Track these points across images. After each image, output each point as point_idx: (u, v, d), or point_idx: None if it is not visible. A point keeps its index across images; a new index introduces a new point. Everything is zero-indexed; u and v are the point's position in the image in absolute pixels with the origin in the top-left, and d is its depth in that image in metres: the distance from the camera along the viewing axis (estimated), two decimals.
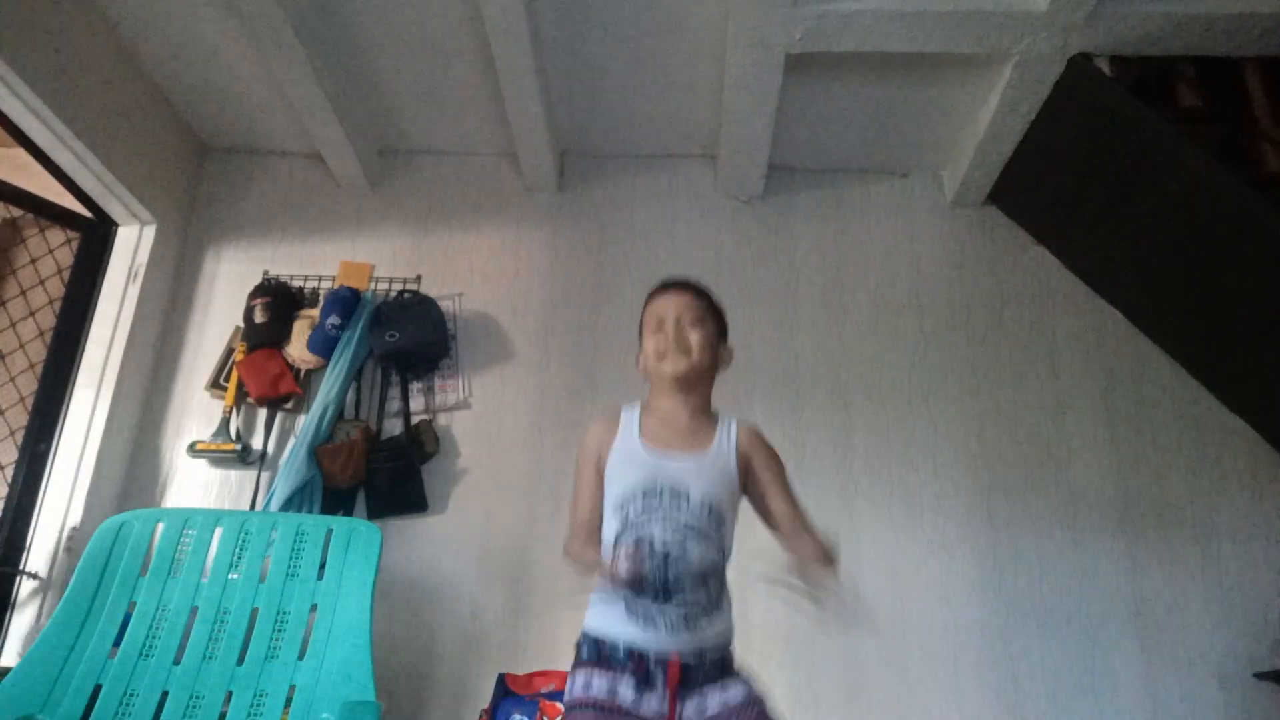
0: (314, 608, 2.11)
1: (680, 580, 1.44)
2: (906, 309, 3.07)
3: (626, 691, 1.40)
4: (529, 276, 3.15)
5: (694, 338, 1.61)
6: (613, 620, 1.47)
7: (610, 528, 1.55)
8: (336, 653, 2.02)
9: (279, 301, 2.97)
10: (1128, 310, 3.00)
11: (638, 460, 1.55)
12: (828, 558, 1.44)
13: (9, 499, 2.66)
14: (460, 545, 2.79)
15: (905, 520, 2.80)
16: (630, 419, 1.61)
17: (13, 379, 2.81)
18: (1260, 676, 2.57)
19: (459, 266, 3.15)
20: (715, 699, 1.42)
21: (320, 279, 3.10)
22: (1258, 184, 2.34)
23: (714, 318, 1.69)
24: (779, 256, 3.14)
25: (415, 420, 2.91)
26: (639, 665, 1.42)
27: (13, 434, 2.76)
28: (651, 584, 1.44)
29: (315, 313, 2.98)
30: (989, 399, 2.94)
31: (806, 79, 2.78)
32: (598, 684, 1.41)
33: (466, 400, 2.98)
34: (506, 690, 2.38)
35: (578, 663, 1.48)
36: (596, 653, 1.46)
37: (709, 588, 1.47)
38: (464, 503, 2.85)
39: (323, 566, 2.16)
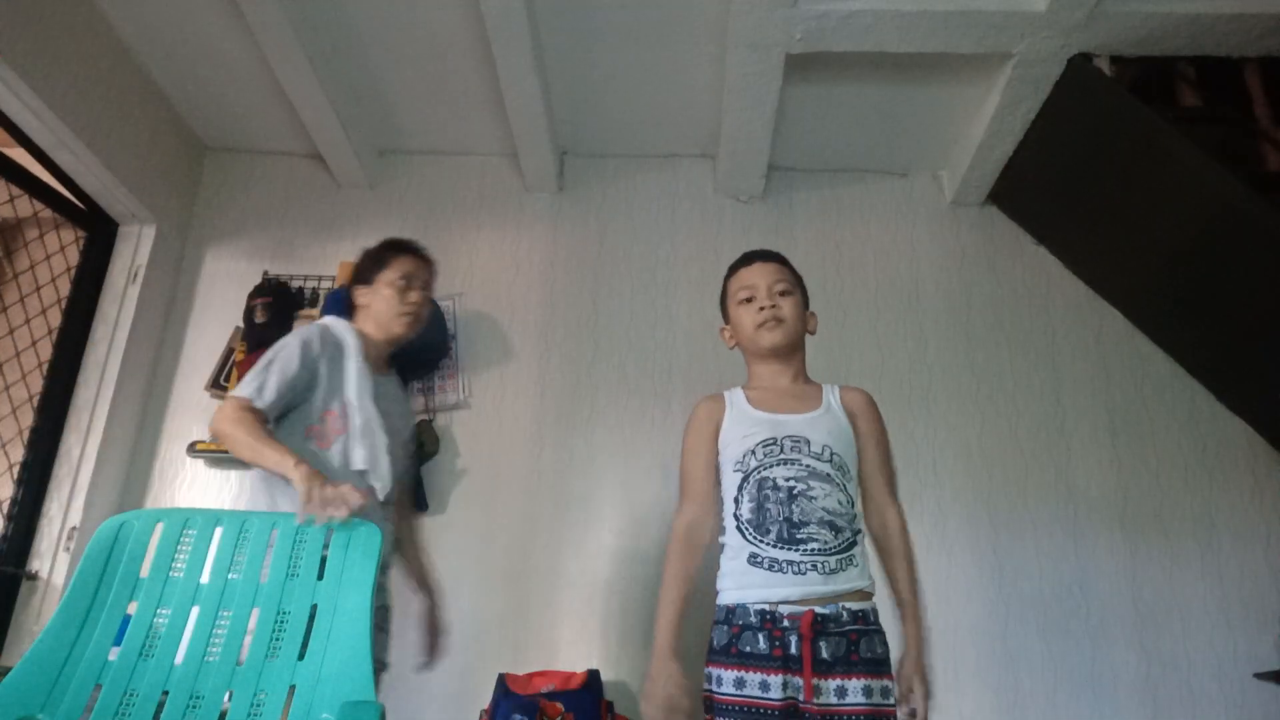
0: (314, 608, 2.10)
1: (807, 517, 1.44)
2: (906, 309, 3.07)
3: (753, 685, 1.38)
4: (529, 276, 3.15)
5: (787, 307, 1.64)
6: (737, 576, 1.47)
7: (730, 485, 1.56)
8: (336, 653, 2.02)
9: (279, 301, 2.97)
10: (1128, 310, 3.00)
11: (754, 420, 1.58)
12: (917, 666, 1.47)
13: (14, 498, 2.66)
14: (460, 545, 2.79)
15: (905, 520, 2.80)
16: (735, 395, 1.65)
17: (24, 377, 2.80)
18: (1260, 676, 2.57)
19: (459, 266, 3.15)
20: (829, 689, 1.37)
21: (320, 279, 3.10)
22: (1258, 184, 2.34)
23: (800, 286, 1.70)
24: None
25: (415, 420, 2.91)
26: (772, 627, 1.39)
27: (21, 433, 2.76)
28: (776, 521, 1.45)
29: (315, 313, 2.98)
30: (989, 399, 2.94)
31: (806, 79, 2.78)
32: (727, 679, 1.41)
33: (466, 400, 2.98)
34: (506, 690, 2.38)
35: (709, 657, 1.47)
36: (727, 633, 1.44)
37: (839, 533, 1.46)
38: (464, 503, 2.85)
39: (323, 566, 2.15)
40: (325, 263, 3.14)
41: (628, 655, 2.63)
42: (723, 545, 1.57)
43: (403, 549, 2.14)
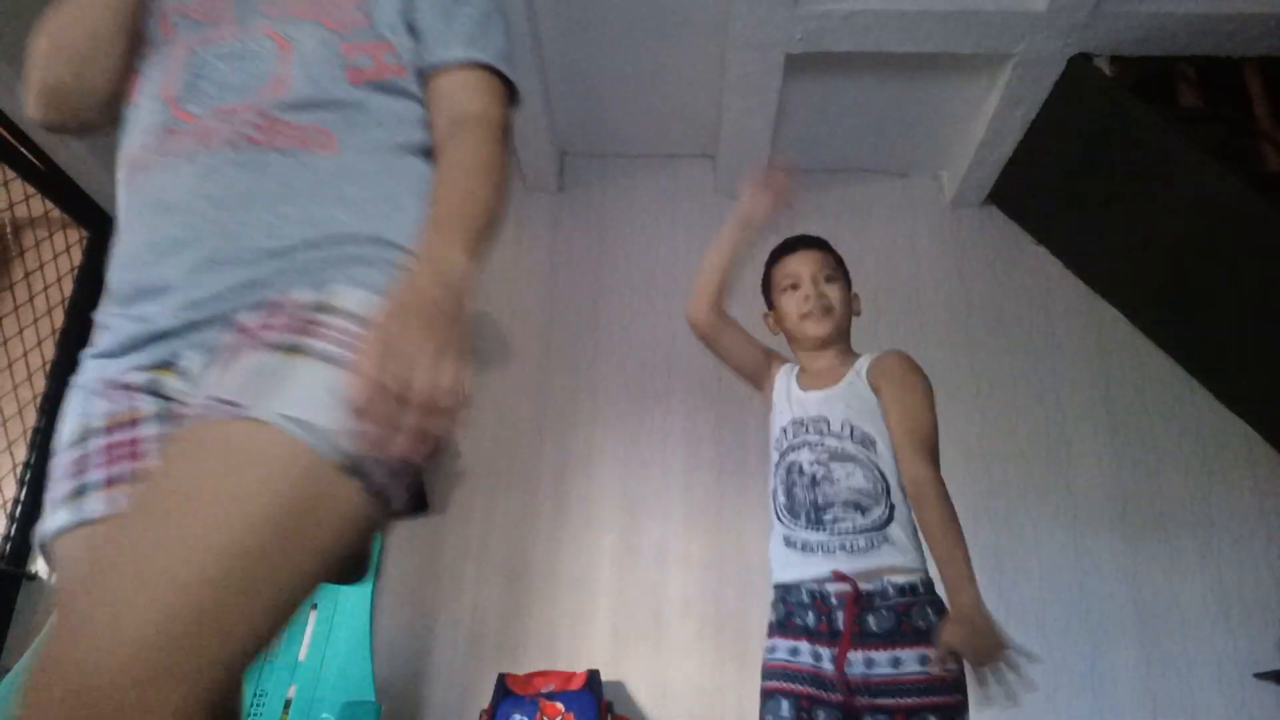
0: (314, 608, 2.11)
1: (831, 500, 1.47)
2: (906, 309, 3.07)
3: (805, 653, 1.41)
4: (529, 276, 3.15)
5: (833, 295, 1.66)
6: (778, 558, 1.52)
7: (771, 467, 1.60)
8: (336, 653, 2.02)
9: None
10: (1128, 310, 2.99)
11: (789, 396, 1.63)
12: (968, 624, 1.29)
13: (17, 498, 2.67)
14: (460, 545, 2.79)
15: None
16: (790, 367, 1.71)
17: (30, 377, 2.80)
18: (1260, 676, 2.57)
19: None
20: (884, 660, 1.37)
21: None
22: (1258, 184, 2.34)
23: (843, 270, 1.71)
24: None
25: None
26: (821, 604, 1.43)
27: (25, 433, 2.76)
28: (803, 505, 1.49)
29: None
30: (989, 399, 2.94)
31: (806, 79, 2.78)
32: (781, 647, 1.45)
33: (466, 400, 2.97)
34: (506, 690, 2.38)
35: (770, 629, 1.51)
36: (784, 609, 1.48)
37: (867, 512, 1.47)
38: (464, 503, 2.85)
39: None
40: None
41: (628, 655, 2.63)
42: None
43: None
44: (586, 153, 3.30)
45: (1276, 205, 2.28)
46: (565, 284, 3.13)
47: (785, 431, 1.58)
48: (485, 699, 2.43)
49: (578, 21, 2.66)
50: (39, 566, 2.63)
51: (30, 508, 2.68)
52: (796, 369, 1.69)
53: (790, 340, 1.71)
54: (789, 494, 1.51)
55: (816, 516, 1.47)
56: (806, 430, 1.55)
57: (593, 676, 2.42)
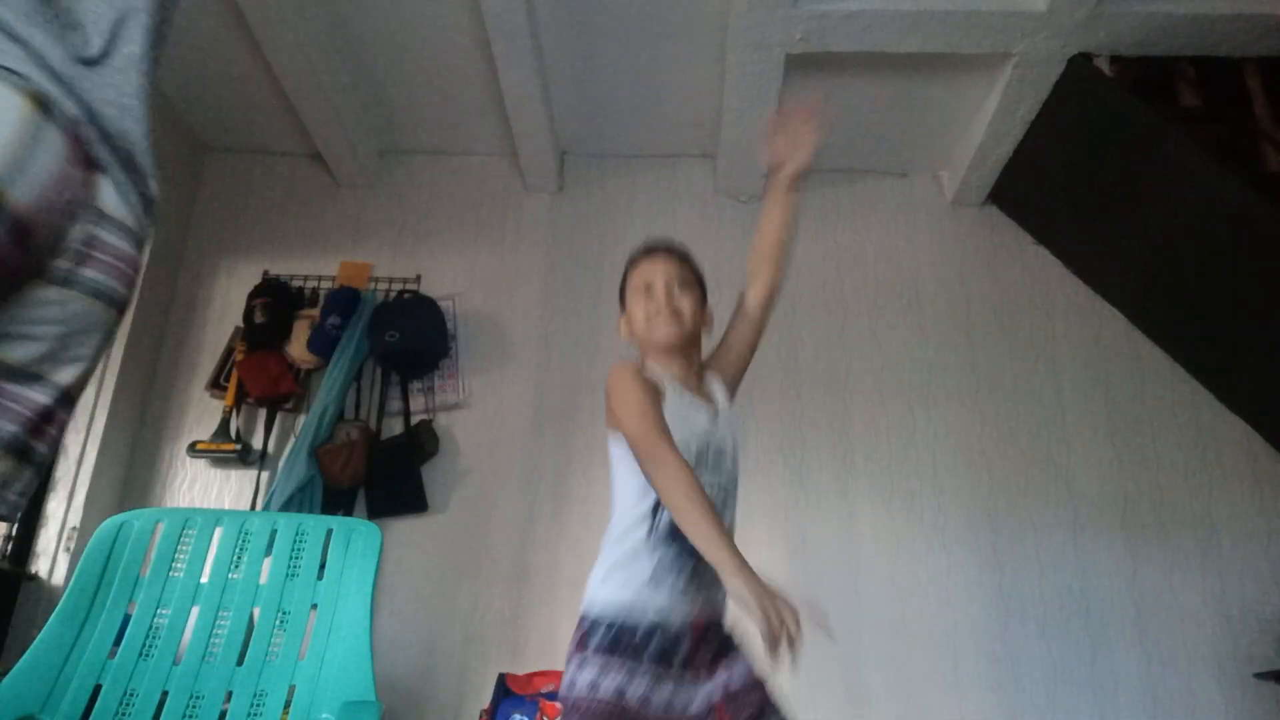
0: (314, 608, 2.11)
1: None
2: (906, 309, 3.07)
3: (638, 686, 1.30)
4: (529, 276, 3.15)
5: (685, 304, 1.60)
6: (638, 587, 1.39)
7: (642, 490, 1.49)
8: (336, 653, 2.02)
9: (279, 301, 2.97)
10: (1128, 310, 3.00)
11: (692, 407, 1.54)
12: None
13: None
14: (460, 545, 2.79)
15: (905, 520, 2.80)
16: (659, 373, 1.57)
17: None
18: (1260, 676, 2.57)
19: (459, 266, 3.15)
20: (737, 672, 1.37)
21: (320, 279, 3.10)
22: (1258, 184, 2.34)
23: (699, 282, 1.69)
24: None
25: (415, 420, 2.91)
26: (661, 642, 1.35)
27: None
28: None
29: (315, 313, 2.98)
30: (989, 399, 2.94)
31: (806, 79, 2.78)
32: (605, 684, 1.30)
33: (466, 400, 2.98)
34: (506, 690, 2.38)
35: (582, 647, 1.35)
36: (611, 637, 1.35)
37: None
38: (464, 503, 2.85)
39: (323, 566, 2.16)
40: (325, 263, 3.14)
41: None
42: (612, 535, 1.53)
43: None
44: (586, 153, 3.30)
45: (1276, 205, 2.28)
46: (565, 284, 3.13)
47: (685, 453, 1.44)
48: (485, 699, 2.43)
49: (578, 21, 2.66)
50: (39, 566, 2.62)
51: (30, 508, 2.68)
52: (676, 383, 1.56)
53: (641, 346, 1.64)
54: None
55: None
56: (706, 459, 1.48)
57: None
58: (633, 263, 1.70)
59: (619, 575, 1.43)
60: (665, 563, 1.41)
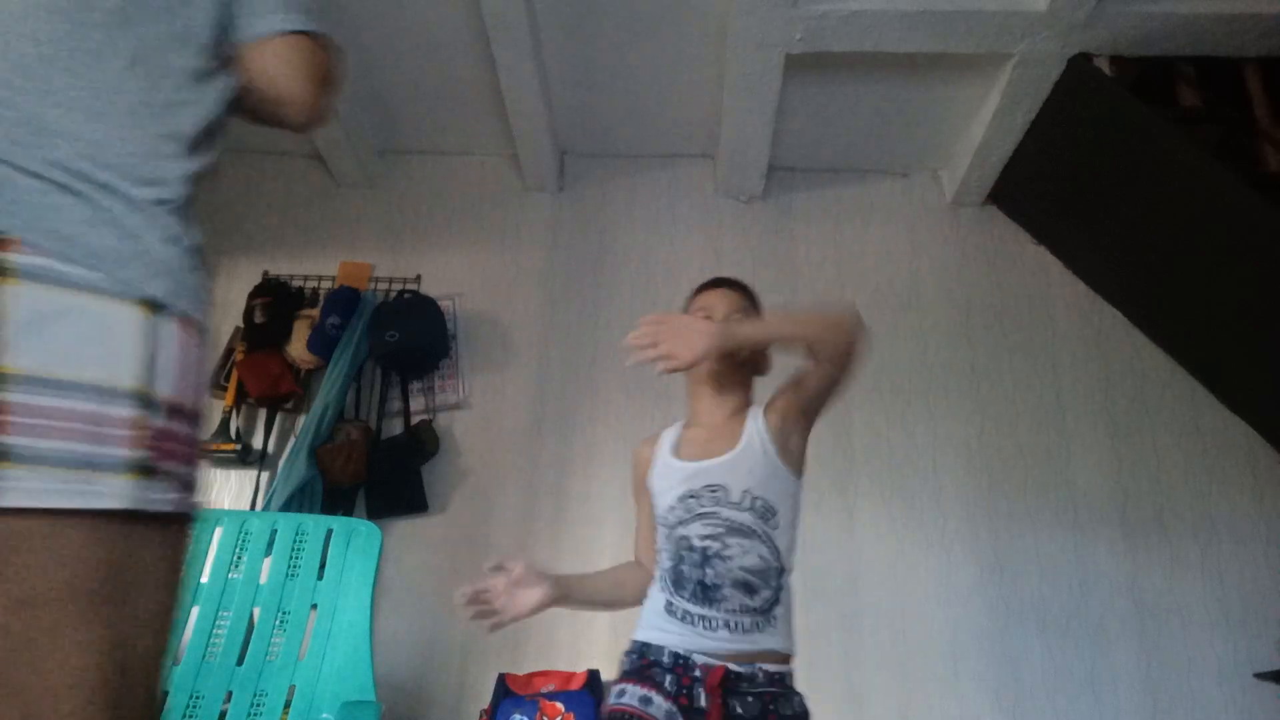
0: (314, 608, 2.11)
1: (720, 580, 1.39)
2: (906, 309, 3.07)
3: (661, 706, 1.31)
4: (529, 276, 3.15)
5: None
6: (653, 620, 1.44)
7: (660, 538, 1.52)
8: (336, 653, 2.02)
9: (279, 301, 2.97)
10: (1128, 310, 3.00)
11: (672, 472, 1.52)
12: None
13: None
14: (460, 545, 2.79)
15: (905, 520, 2.80)
16: (669, 436, 1.59)
17: None
18: (1260, 676, 2.57)
19: (459, 266, 3.15)
20: None
21: (320, 279, 3.10)
22: (1257, 184, 2.34)
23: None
24: (779, 256, 3.14)
25: (415, 420, 2.91)
26: (682, 673, 1.35)
27: None
28: (690, 580, 1.41)
29: (315, 313, 2.98)
30: (989, 399, 2.94)
31: (806, 79, 2.78)
32: (631, 691, 1.34)
33: (466, 400, 2.98)
34: (506, 690, 2.38)
35: (619, 676, 1.43)
36: (639, 663, 1.40)
37: (756, 593, 1.40)
38: (464, 503, 2.85)
39: (323, 566, 2.16)
40: (325, 263, 3.14)
41: None
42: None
43: None
44: (586, 153, 3.30)
45: (1276, 205, 2.28)
46: (565, 284, 3.13)
47: (674, 508, 1.47)
48: (485, 699, 2.43)
49: (578, 21, 2.66)
50: None
51: None
52: (675, 437, 1.58)
53: (689, 380, 1.61)
54: (675, 568, 1.43)
55: (704, 594, 1.40)
56: (701, 502, 1.45)
57: (593, 676, 2.42)
58: (694, 295, 1.68)
59: (642, 611, 1.52)
60: (663, 607, 1.46)
